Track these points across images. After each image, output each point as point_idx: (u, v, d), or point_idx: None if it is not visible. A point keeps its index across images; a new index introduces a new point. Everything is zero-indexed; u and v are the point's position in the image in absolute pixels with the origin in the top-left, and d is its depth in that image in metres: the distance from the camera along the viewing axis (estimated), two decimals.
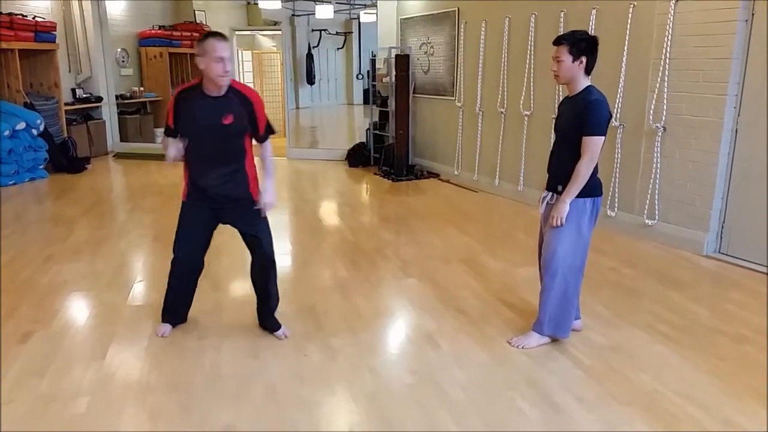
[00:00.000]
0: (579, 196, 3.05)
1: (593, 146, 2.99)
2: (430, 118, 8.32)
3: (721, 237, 4.66)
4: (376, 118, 9.04)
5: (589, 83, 3.11)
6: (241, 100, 2.98)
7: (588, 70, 3.07)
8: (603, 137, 3.03)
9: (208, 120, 2.95)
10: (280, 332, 3.35)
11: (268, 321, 3.40)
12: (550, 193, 3.19)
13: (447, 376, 2.94)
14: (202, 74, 2.91)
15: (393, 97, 8.26)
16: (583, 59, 3.02)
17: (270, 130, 3.19)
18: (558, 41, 3.05)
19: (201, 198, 3.16)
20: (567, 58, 3.01)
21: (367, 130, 9.24)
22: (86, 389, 2.82)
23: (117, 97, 10.45)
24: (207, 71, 2.85)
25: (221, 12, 12.92)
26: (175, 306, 3.43)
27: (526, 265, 4.41)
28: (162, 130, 11.02)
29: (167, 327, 3.39)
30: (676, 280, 4.21)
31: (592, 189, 3.09)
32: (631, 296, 3.94)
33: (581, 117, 3.00)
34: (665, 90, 4.82)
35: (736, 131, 4.47)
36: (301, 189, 7.76)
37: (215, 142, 3.01)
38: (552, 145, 3.27)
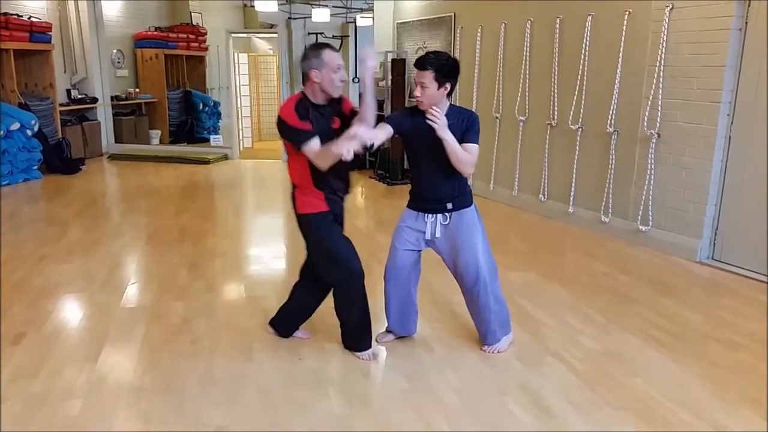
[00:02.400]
0: (468, 203, 3.06)
1: (474, 150, 2.94)
2: None
3: (714, 244, 4.69)
4: None
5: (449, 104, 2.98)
6: (335, 105, 2.95)
7: (449, 94, 2.93)
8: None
9: (323, 125, 2.87)
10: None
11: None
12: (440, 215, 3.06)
13: (441, 380, 2.94)
14: (310, 87, 2.85)
15: (389, 101, 8.28)
16: (448, 85, 2.88)
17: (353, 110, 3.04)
18: (422, 66, 2.85)
19: (332, 205, 3.00)
20: (432, 85, 2.83)
21: None
22: (79, 391, 2.81)
23: (112, 98, 10.42)
24: (323, 82, 2.81)
25: (217, 14, 12.91)
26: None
27: (519, 270, 4.42)
28: (157, 132, 10.81)
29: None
30: (669, 286, 4.23)
31: (471, 194, 3.12)
32: (625, 302, 3.96)
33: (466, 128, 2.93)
34: (660, 97, 4.85)
35: (730, 138, 4.50)
36: None
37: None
38: (422, 168, 3.07)
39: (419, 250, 3.19)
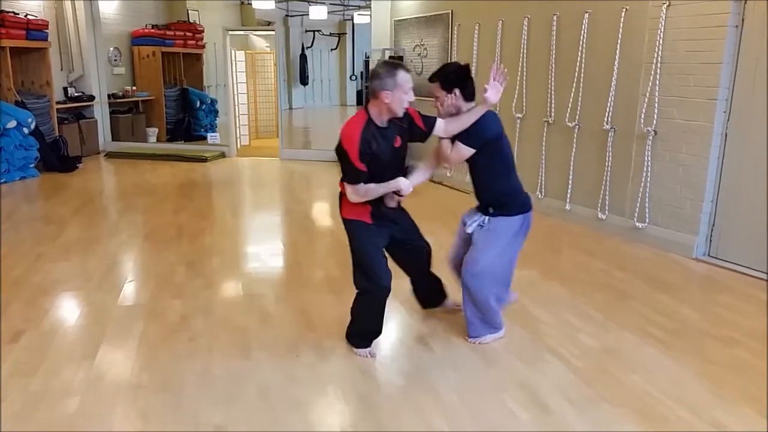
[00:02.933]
0: (511, 213, 3.20)
1: (458, 150, 3.11)
2: None
3: (711, 240, 4.70)
4: None
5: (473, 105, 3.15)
6: (399, 122, 2.97)
7: (468, 97, 3.12)
8: (470, 148, 3.10)
9: (385, 149, 2.93)
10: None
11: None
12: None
13: (439, 377, 2.94)
14: (377, 106, 2.86)
15: None
16: (456, 91, 3.07)
17: (430, 119, 3.11)
18: (431, 80, 3.13)
19: (383, 219, 3.06)
20: (441, 93, 3.09)
21: None
22: (77, 389, 2.81)
23: (109, 96, 10.39)
24: (393, 103, 2.81)
25: (215, 11, 12.89)
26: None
27: (518, 267, 4.40)
28: (154, 129, 10.79)
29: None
30: (666, 283, 4.23)
31: (522, 205, 3.24)
32: (622, 299, 3.96)
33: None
34: (656, 94, 4.85)
35: (726, 136, 4.51)
36: (294, 190, 7.76)
37: (390, 167, 2.98)
38: (472, 176, 3.32)
39: (464, 239, 3.35)
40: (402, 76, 2.80)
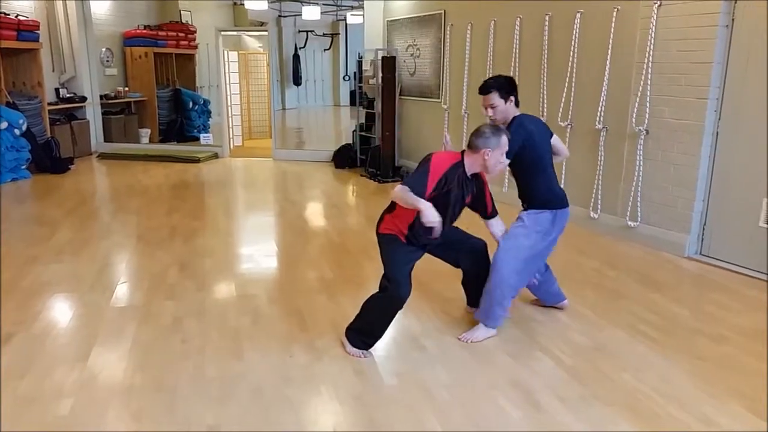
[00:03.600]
0: (537, 207, 3.38)
1: None
2: (416, 120, 8.35)
3: (702, 239, 4.73)
4: (362, 120, 9.05)
5: (519, 113, 3.39)
6: (476, 180, 3.18)
7: (517, 104, 3.38)
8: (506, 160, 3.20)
9: (457, 196, 3.08)
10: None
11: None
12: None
13: (431, 376, 2.95)
14: (473, 159, 3.03)
15: (379, 99, 8.28)
16: (512, 98, 3.32)
17: (495, 209, 3.37)
18: (486, 90, 3.32)
19: (419, 242, 3.16)
20: (499, 102, 3.30)
21: (353, 132, 9.25)
22: (69, 391, 2.80)
23: (101, 97, 10.36)
24: (489, 162, 3.00)
25: (207, 12, 12.87)
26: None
27: None
28: (146, 130, 10.79)
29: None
30: (657, 282, 4.26)
31: (548, 202, 3.38)
32: (614, 297, 3.98)
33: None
34: (648, 93, 4.88)
35: (717, 135, 4.54)
36: (288, 190, 7.76)
37: (453, 215, 3.16)
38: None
39: None
40: (504, 139, 3.02)
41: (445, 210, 3.03)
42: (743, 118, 4.36)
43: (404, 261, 3.13)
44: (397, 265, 3.10)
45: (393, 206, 3.14)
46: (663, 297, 3.98)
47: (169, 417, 2.61)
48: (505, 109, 3.32)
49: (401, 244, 3.13)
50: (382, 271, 3.13)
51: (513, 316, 3.63)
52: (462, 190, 3.08)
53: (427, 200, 2.89)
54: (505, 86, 3.32)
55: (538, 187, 3.38)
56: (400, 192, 2.91)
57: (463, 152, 3.08)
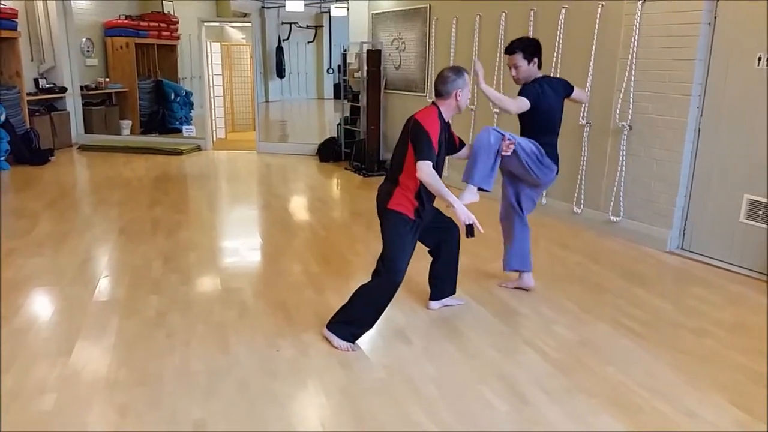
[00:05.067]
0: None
1: (520, 101, 3.55)
2: (401, 114, 8.34)
3: (684, 234, 4.79)
4: (347, 113, 9.02)
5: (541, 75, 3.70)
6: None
7: (540, 66, 3.66)
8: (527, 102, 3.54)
9: (444, 146, 3.24)
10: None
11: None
12: None
13: (418, 370, 2.96)
14: (447, 104, 3.17)
15: (364, 93, 8.26)
16: (535, 60, 3.60)
17: (461, 139, 3.51)
18: (512, 50, 3.60)
19: (418, 216, 3.20)
20: (523, 63, 3.58)
21: (338, 125, 9.22)
22: (52, 386, 2.77)
23: (82, 87, 10.21)
24: (461, 101, 3.18)
25: (190, 2, 12.71)
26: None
27: (495, 261, 4.46)
28: (128, 122, 10.65)
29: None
30: (640, 276, 4.31)
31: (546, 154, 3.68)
32: (597, 291, 4.02)
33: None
34: (631, 89, 4.92)
35: (699, 131, 4.59)
36: (272, 184, 7.71)
37: (441, 159, 3.26)
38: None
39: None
40: (466, 76, 3.18)
41: (441, 157, 3.19)
42: (725, 115, 4.41)
43: (410, 249, 3.17)
44: (403, 253, 3.13)
45: (395, 179, 3.17)
46: (646, 291, 4.02)
47: (153, 412, 2.59)
48: (527, 69, 3.58)
49: (410, 225, 3.14)
50: (377, 257, 3.17)
51: (498, 310, 3.66)
52: (445, 138, 3.23)
53: (437, 154, 3.08)
54: (529, 48, 3.57)
55: (541, 143, 3.61)
56: (429, 176, 2.98)
57: (433, 103, 3.21)
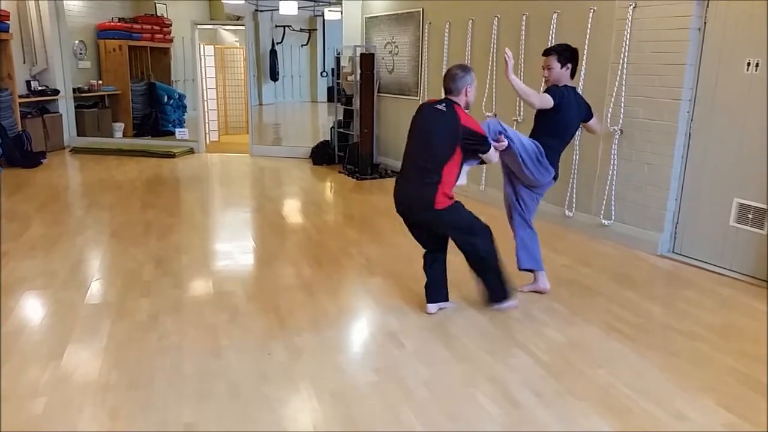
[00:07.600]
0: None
1: (544, 97, 3.68)
2: (394, 118, 8.36)
3: (675, 237, 4.82)
4: (340, 117, 9.03)
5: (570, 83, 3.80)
6: None
7: (573, 74, 3.80)
8: (552, 100, 3.67)
9: None
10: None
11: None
12: None
13: (410, 373, 2.97)
14: (462, 101, 3.39)
15: (358, 96, 8.27)
16: (569, 65, 3.74)
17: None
18: (548, 53, 3.75)
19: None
20: (556, 66, 3.71)
21: (331, 129, 9.23)
22: (43, 389, 2.76)
23: (74, 90, 10.17)
24: (470, 96, 3.41)
25: (183, 5, 12.70)
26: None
27: None
28: (120, 125, 10.62)
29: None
30: (631, 279, 4.33)
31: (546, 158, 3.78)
32: (588, 294, 4.05)
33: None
34: (623, 94, 4.96)
35: (690, 135, 4.63)
36: (265, 186, 7.71)
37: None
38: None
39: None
40: (472, 72, 3.40)
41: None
42: (715, 119, 4.45)
43: (468, 213, 3.50)
44: (473, 217, 3.50)
45: (433, 180, 3.34)
46: (636, 294, 4.05)
47: (145, 415, 2.59)
48: (559, 73, 3.71)
49: (457, 203, 3.45)
50: (421, 250, 3.62)
51: (488, 313, 3.67)
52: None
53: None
54: (565, 53, 3.72)
55: (545, 144, 3.70)
56: (496, 153, 3.51)
57: (448, 100, 3.38)
